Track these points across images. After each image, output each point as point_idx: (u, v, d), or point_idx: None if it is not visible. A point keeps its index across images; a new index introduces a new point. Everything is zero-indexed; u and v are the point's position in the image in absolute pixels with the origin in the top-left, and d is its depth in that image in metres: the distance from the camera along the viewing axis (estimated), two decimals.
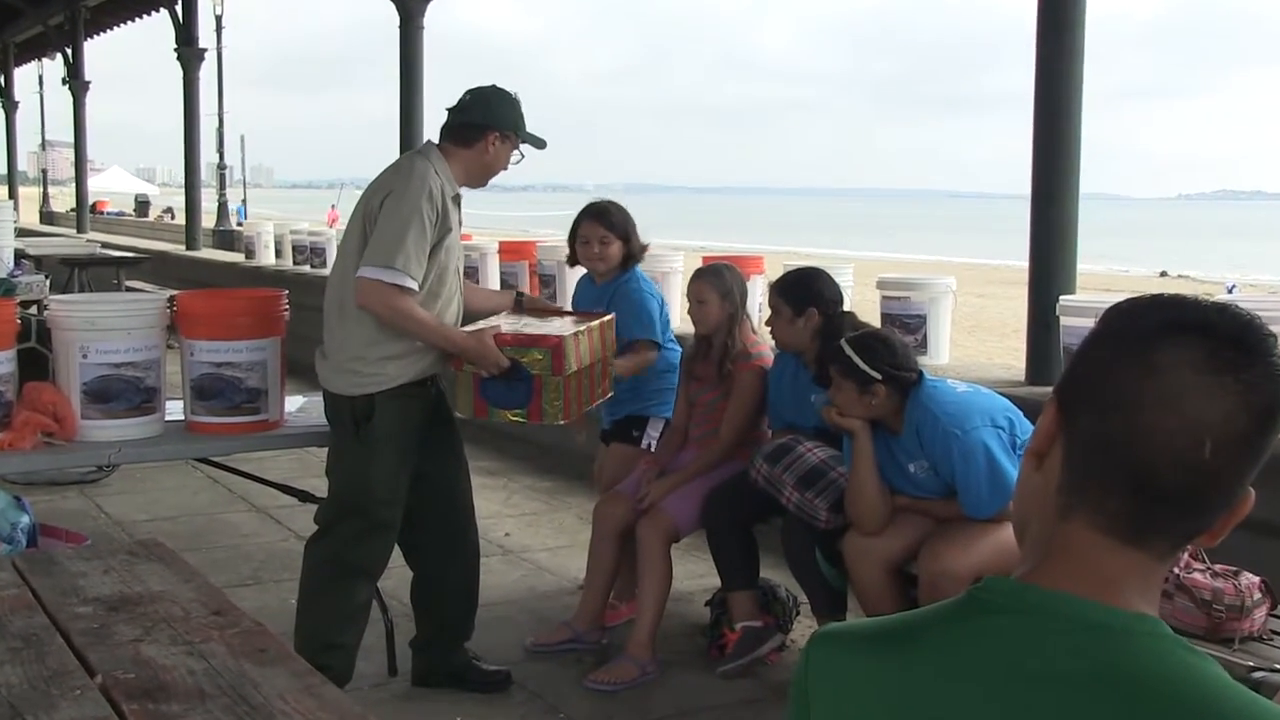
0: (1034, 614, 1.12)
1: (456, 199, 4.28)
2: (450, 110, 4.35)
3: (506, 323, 4.46)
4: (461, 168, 4.28)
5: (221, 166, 28.16)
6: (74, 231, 23.58)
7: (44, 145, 42.78)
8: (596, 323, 4.56)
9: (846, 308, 6.64)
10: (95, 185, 51.26)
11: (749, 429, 4.92)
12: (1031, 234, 5.94)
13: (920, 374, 4.23)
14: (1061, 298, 5.64)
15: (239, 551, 6.28)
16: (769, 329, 4.87)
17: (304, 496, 4.91)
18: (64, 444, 4.23)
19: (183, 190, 17.22)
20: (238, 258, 14.68)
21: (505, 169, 4.43)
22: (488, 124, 4.28)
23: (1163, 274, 34.02)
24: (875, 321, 6.64)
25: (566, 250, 5.25)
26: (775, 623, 4.85)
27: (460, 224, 4.33)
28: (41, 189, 38.98)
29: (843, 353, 4.25)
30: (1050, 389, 1.15)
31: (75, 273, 12.68)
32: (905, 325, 6.39)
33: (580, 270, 5.32)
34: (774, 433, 4.90)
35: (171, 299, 4.54)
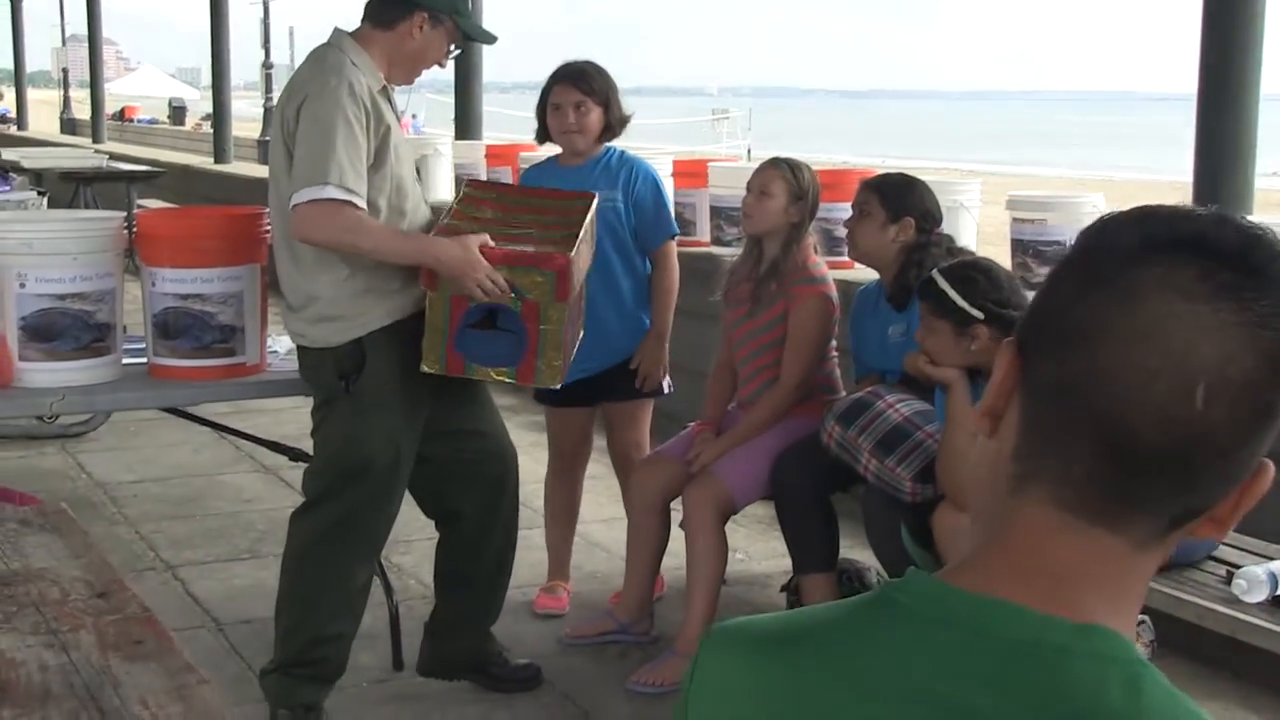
0: (953, 625, 1.04)
1: (385, 91, 4.18)
2: None
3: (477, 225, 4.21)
4: (382, 55, 4.17)
5: (267, 65, 28.36)
6: (91, 141, 23.91)
7: (64, 40, 43.41)
8: (589, 217, 4.31)
9: (971, 232, 6.54)
10: (126, 88, 52.20)
11: (815, 370, 4.81)
12: (1197, 145, 5.75)
13: None
14: None
15: (238, 520, 6.35)
16: (847, 233, 4.76)
17: (296, 455, 4.89)
18: None
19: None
20: None
21: (440, 64, 4.34)
22: (416, 1, 4.17)
23: None
24: (1004, 249, 6.49)
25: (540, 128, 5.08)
26: None
27: (399, 119, 4.23)
28: (62, 92, 39.57)
29: (935, 286, 4.13)
30: None
31: (79, 189, 12.87)
32: (1040, 254, 6.21)
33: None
34: (858, 383, 4.80)
35: (129, 217, 4.52)
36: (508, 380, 4.18)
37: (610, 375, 5.05)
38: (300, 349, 4.24)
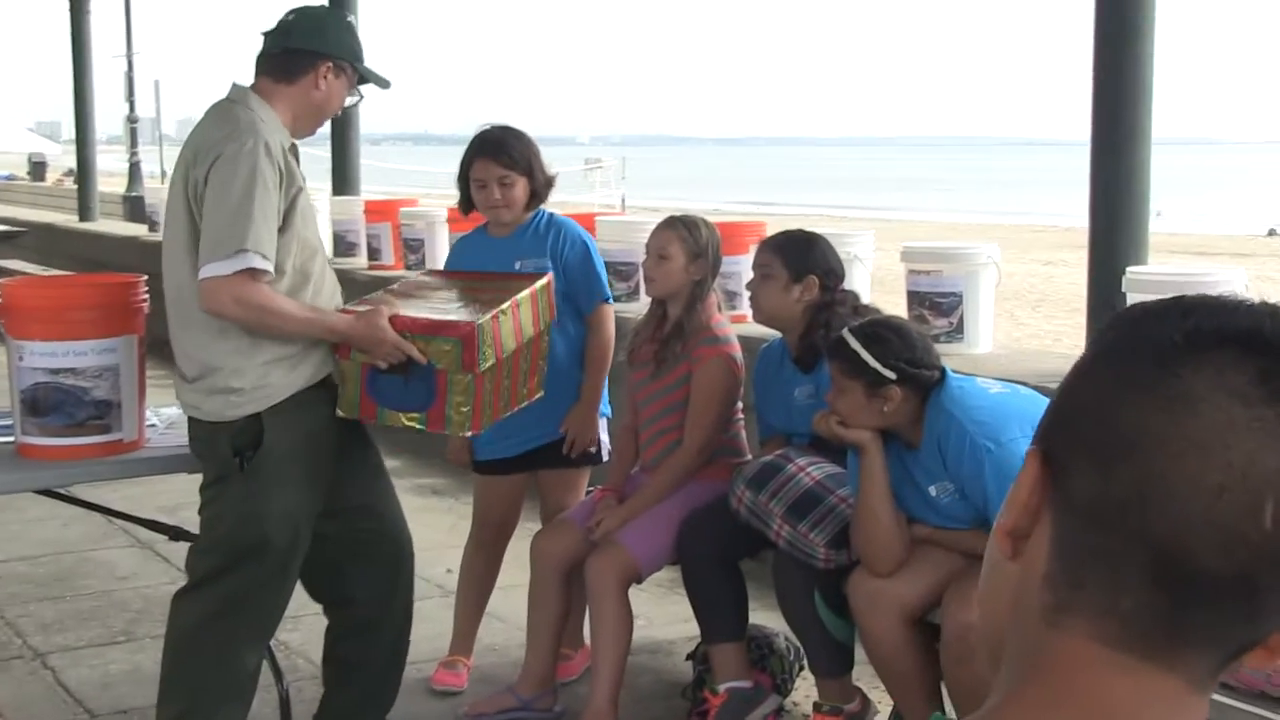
0: None
1: (294, 149, 4.05)
2: (268, 35, 4.12)
3: (403, 300, 4.19)
4: (287, 109, 4.05)
5: (132, 119, 27.94)
6: None
7: None
8: (527, 291, 4.23)
9: (865, 283, 6.47)
10: None
11: (719, 433, 4.71)
12: (1091, 190, 5.78)
13: (943, 371, 4.03)
14: (1129, 269, 5.44)
15: (112, 599, 6.11)
16: (749, 294, 4.68)
17: (176, 534, 4.67)
18: None
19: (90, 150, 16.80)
20: (140, 230, 14.45)
21: (338, 111, 4.25)
22: (319, 51, 4.07)
23: (1271, 232, 33.43)
24: (900, 300, 6.44)
25: (457, 198, 5.00)
26: (771, 682, 4.68)
27: (305, 180, 4.09)
28: None
29: (847, 346, 4.04)
30: None
31: None
32: (937, 306, 6.16)
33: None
34: (763, 444, 4.70)
35: None
36: (418, 427, 4.06)
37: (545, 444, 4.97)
38: (192, 421, 4.06)
